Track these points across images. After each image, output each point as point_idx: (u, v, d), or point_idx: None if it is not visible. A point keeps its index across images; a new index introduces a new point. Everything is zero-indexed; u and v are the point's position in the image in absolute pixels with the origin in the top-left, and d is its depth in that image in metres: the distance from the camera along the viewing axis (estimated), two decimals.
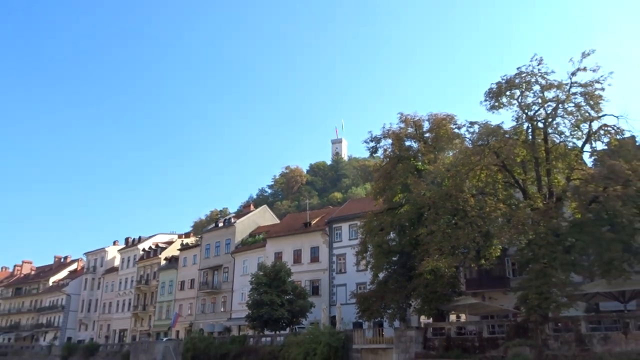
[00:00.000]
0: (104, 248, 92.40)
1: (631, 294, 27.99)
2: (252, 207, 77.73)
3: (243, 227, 66.85)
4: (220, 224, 70.56)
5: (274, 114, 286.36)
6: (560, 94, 29.44)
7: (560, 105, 29.36)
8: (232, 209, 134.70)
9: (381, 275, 37.28)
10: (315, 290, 52.20)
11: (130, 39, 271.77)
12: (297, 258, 55.02)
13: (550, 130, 30.20)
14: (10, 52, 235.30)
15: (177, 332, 66.81)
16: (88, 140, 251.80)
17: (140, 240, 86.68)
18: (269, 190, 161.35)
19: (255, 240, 62.74)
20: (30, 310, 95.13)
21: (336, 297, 49.80)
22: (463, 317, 38.58)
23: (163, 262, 77.03)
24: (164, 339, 58.49)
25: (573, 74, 29.08)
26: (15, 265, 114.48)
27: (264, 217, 71.43)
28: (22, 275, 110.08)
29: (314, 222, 57.59)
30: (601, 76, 28.43)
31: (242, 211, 78.37)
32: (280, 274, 45.55)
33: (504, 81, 30.35)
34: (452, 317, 39.35)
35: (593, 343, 25.73)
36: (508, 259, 37.66)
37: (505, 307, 34.64)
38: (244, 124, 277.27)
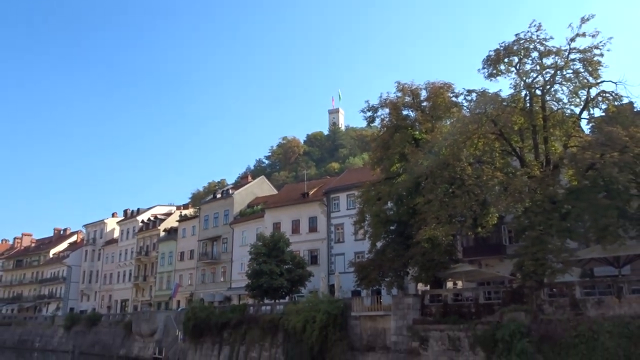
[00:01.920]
0: (103, 220, 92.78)
1: (625, 259, 28.00)
2: (249, 178, 77.85)
3: (241, 198, 67.06)
4: (219, 195, 70.71)
5: (271, 84, 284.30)
6: (559, 61, 29.03)
7: (558, 72, 28.95)
8: (230, 180, 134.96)
9: (379, 244, 37.33)
10: (314, 260, 52.67)
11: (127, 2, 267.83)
12: (296, 228, 55.34)
13: (548, 98, 29.84)
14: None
15: (178, 301, 67.54)
16: (84, 110, 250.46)
17: (138, 212, 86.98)
18: (267, 161, 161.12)
19: (254, 211, 63.12)
20: (32, 281, 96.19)
21: (335, 266, 50.28)
22: (460, 284, 38.82)
23: (162, 234, 77.38)
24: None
25: (572, 40, 28.65)
26: (15, 238, 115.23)
27: (261, 188, 71.69)
28: (22, 247, 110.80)
29: (311, 192, 57.75)
30: (600, 42, 27.99)
31: (240, 182, 78.49)
32: (279, 244, 45.81)
33: (502, 48, 29.85)
34: (449, 285, 39.52)
35: (587, 307, 25.80)
36: (504, 226, 37.54)
37: (501, 274, 34.72)
38: (241, 95, 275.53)
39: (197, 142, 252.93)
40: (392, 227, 37.13)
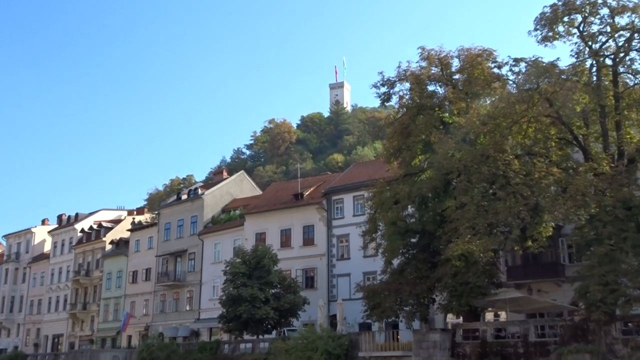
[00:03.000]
0: (29, 229, 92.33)
1: None
2: (225, 173, 77.92)
3: (214, 201, 67.25)
4: (184, 197, 70.79)
5: (253, 47, 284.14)
6: (637, 20, 28.81)
7: (636, 36, 28.77)
8: (199, 176, 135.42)
9: (396, 262, 37.42)
10: (310, 282, 52.96)
11: None
12: (286, 240, 55.52)
13: (621, 69, 29.69)
14: None
15: (129, 337, 67.18)
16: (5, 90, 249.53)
17: (77, 218, 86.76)
18: (248, 152, 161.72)
19: (230, 218, 63.22)
20: None
21: (337, 290, 50.43)
22: (503, 315, 38.67)
23: (109, 247, 77.28)
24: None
25: None
26: None
27: (241, 186, 72.03)
28: None
29: (307, 193, 57.69)
30: None
31: (213, 179, 78.64)
32: (264, 261, 45.72)
33: (561, 3, 29.74)
34: (489, 316, 39.57)
35: None
36: (563, 240, 37.64)
37: (559, 303, 34.59)
38: (214, 65, 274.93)
39: (156, 126, 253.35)
40: (413, 240, 37.15)
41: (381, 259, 38.49)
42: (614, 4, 29.02)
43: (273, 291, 45.46)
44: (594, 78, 30.26)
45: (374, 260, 43.91)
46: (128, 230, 77.09)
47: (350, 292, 45.51)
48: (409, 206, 36.70)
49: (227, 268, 47.07)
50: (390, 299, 35.56)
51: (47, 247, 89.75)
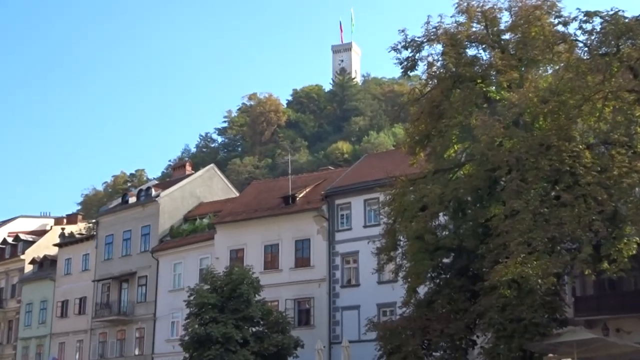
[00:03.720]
0: None
1: None
2: (188, 168, 78.50)
3: (173, 205, 67.73)
4: (132, 199, 71.33)
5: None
6: None
7: None
8: (153, 172, 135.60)
9: (422, 290, 37.57)
10: (304, 318, 53.39)
11: None
12: (272, 260, 55.94)
13: None
14: None
15: None
16: None
17: None
18: (219, 139, 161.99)
19: (196, 229, 63.61)
20: None
21: (341, 329, 50.59)
22: None
23: (28, 268, 77.39)
24: None
25: None
26: None
27: (210, 186, 72.49)
28: None
29: (300, 195, 57.57)
30: None
31: (172, 176, 78.93)
32: (241, 288, 45.36)
33: None
34: None
35: None
36: None
37: None
38: (171, 21, 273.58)
39: (90, 102, 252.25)
40: (445, 260, 37.38)
41: (402, 286, 38.46)
42: None
43: (254, 329, 45.44)
44: None
45: (392, 288, 43.95)
46: (55, 245, 76.50)
47: (360, 332, 45.79)
48: (441, 214, 36.68)
49: (192, 298, 46.64)
50: (414, 340, 35.40)
51: None
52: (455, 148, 37.54)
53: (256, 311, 45.79)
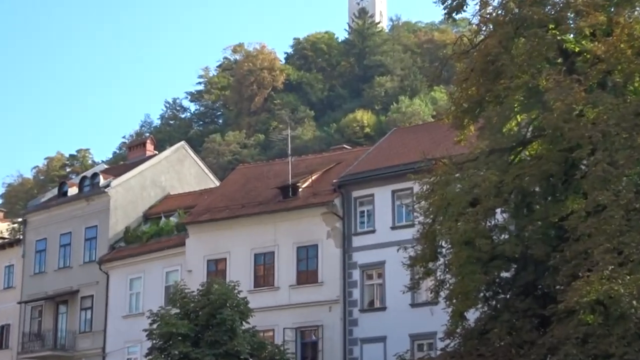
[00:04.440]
0: None
1: None
2: (149, 147, 75.67)
3: (128, 198, 63.90)
4: (72, 191, 67.91)
5: None
6: None
7: None
8: (101, 153, 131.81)
9: (472, 315, 34.62)
10: (310, 353, 50.26)
11: None
12: (265, 274, 52.39)
13: None
14: None
15: None
16: None
17: None
18: (193, 107, 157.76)
19: (160, 231, 59.26)
20: None
21: None
22: None
23: None
24: None
25: None
26: None
27: (179, 171, 68.90)
28: None
29: (304, 184, 54.05)
30: None
31: (126, 158, 78.05)
32: (223, 312, 42.60)
33: None
34: None
35: None
36: None
37: None
38: None
39: (16, 58, 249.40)
40: (504, 274, 34.73)
41: (445, 311, 35.14)
42: None
43: None
44: None
45: (430, 313, 41.70)
46: None
47: None
48: (498, 210, 34.14)
49: (155, 326, 43.57)
50: None
51: None
52: (518, 119, 35.09)
53: (243, 344, 42.64)
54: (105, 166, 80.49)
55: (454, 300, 34.59)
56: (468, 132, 36.77)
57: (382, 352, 46.84)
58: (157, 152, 72.92)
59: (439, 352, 37.52)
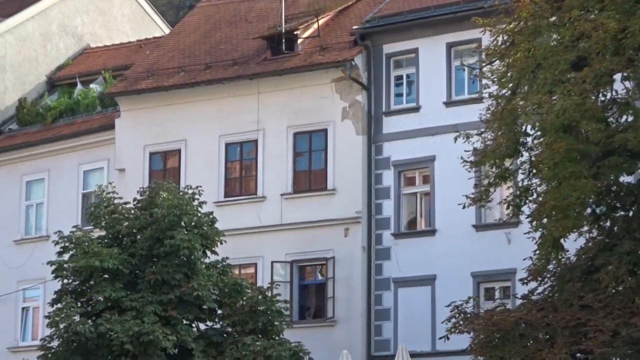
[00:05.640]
0: None
1: None
2: None
3: (23, 54, 52.53)
4: None
5: None
6: None
7: None
8: None
9: (572, 244, 27.77)
10: (315, 301, 40.67)
11: None
12: (243, 177, 42.03)
13: None
14: None
15: None
16: None
17: None
18: None
19: (75, 105, 47.56)
20: None
21: (394, 325, 37.93)
22: None
23: None
24: None
25: None
26: None
27: (105, 10, 57.03)
28: None
29: (305, 32, 43.56)
30: None
31: None
32: (176, 237, 33.09)
33: None
34: None
35: None
36: None
37: None
38: None
39: None
40: (625, 179, 28.53)
41: (529, 237, 27.20)
42: None
43: (205, 326, 33.35)
44: None
45: (506, 240, 33.63)
46: None
47: (435, 333, 34.27)
48: (618, 76, 25.97)
49: (67, 257, 32.90)
50: (555, 353, 25.20)
51: None
52: None
53: (207, 287, 32.45)
54: None
55: (545, 220, 26.38)
56: None
57: (429, 300, 36.00)
58: None
59: (519, 302, 28.93)
